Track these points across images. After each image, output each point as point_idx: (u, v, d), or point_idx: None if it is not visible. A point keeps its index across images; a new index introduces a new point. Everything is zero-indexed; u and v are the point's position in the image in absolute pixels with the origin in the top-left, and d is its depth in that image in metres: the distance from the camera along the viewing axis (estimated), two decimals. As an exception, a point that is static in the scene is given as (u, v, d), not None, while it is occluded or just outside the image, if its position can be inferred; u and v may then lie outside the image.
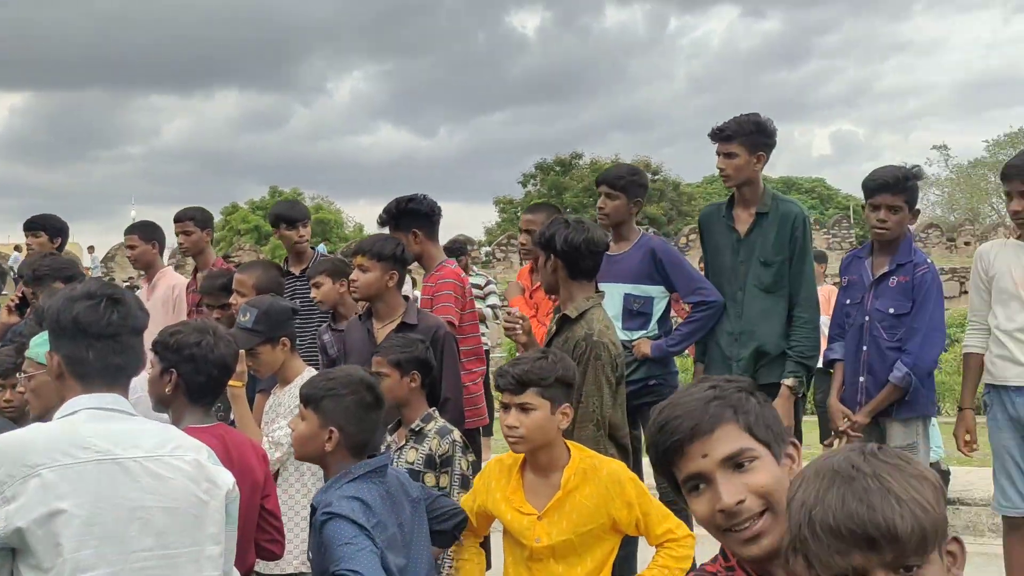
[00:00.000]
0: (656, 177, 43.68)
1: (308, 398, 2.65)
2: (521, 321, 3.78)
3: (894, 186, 3.86)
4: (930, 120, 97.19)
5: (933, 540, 1.21)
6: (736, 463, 1.49)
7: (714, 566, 1.57)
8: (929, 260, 3.95)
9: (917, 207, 3.95)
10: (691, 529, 2.87)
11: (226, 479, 2.28)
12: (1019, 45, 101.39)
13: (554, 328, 3.54)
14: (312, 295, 4.52)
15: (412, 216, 4.41)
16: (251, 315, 3.63)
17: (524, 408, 2.72)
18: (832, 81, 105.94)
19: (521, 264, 4.96)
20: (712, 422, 1.50)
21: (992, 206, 43.01)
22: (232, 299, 4.44)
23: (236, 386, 3.49)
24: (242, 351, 3.37)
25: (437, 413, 3.45)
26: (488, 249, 29.88)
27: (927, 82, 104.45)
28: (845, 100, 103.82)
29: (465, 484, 3.27)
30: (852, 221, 33.62)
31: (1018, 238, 3.80)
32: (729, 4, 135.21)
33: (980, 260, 3.87)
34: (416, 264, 4.51)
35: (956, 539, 1.27)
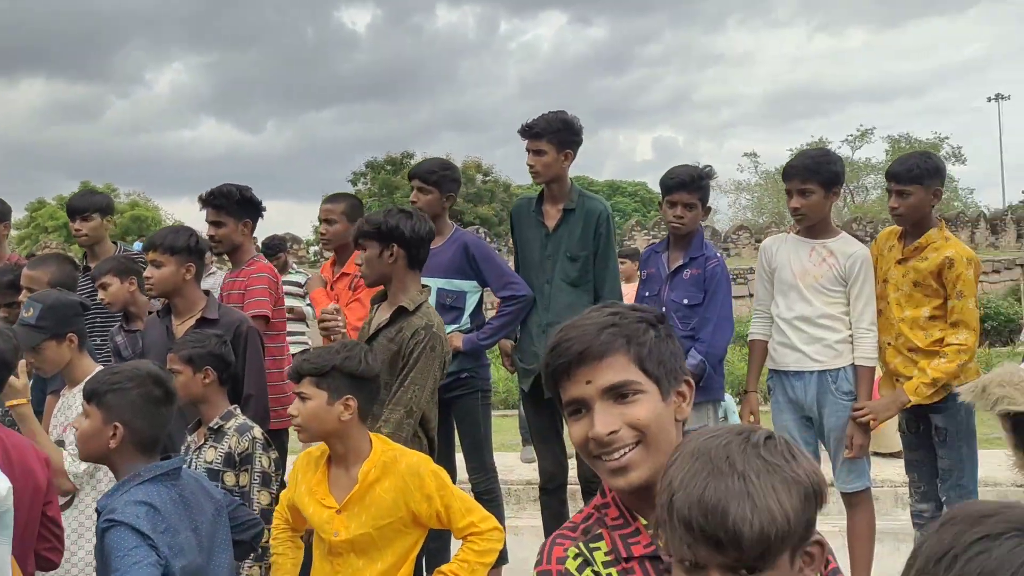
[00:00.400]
0: (487, 178, 44.15)
1: (91, 393, 2.51)
2: (337, 315, 3.73)
3: (689, 184, 4.09)
4: (743, 129, 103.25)
5: (779, 550, 1.19)
6: (619, 393, 1.47)
7: (588, 507, 1.56)
8: (719, 254, 4.21)
9: (709, 204, 4.20)
10: (502, 524, 2.90)
11: None
12: (820, 61, 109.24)
13: (385, 319, 3.50)
14: (99, 296, 4.28)
15: (250, 206, 4.38)
16: (35, 310, 3.40)
17: (301, 397, 2.72)
18: (654, 89, 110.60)
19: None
20: (602, 349, 1.47)
21: (796, 210, 46.13)
22: (22, 296, 4.16)
23: (20, 404, 3.24)
24: (23, 369, 3.14)
25: (238, 410, 3.35)
26: (316, 248, 29.33)
27: (740, 93, 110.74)
28: (666, 107, 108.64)
29: (266, 482, 3.20)
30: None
31: (798, 233, 4.09)
32: (557, 10, 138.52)
33: (764, 253, 4.15)
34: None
35: (819, 541, 1.26)
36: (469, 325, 4.39)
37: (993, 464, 5.36)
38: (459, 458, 4.56)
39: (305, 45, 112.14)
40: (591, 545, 1.49)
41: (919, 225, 3.83)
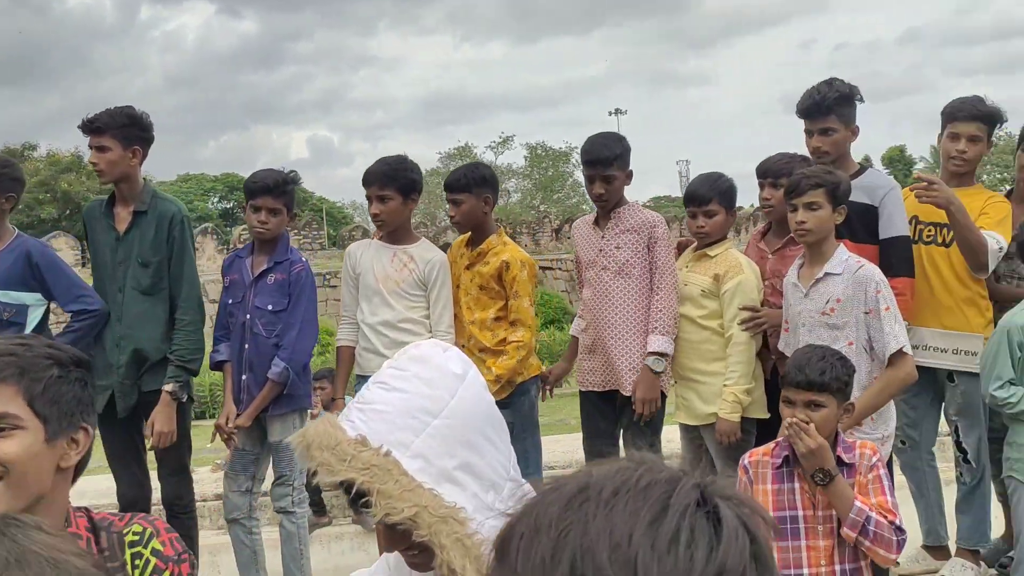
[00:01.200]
0: (125, 174, 41.08)
1: None
2: None
3: (274, 189, 4.01)
4: (397, 131, 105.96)
5: None
6: None
7: None
8: (304, 259, 4.14)
9: (295, 210, 4.13)
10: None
11: None
12: (466, 69, 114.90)
13: None
14: None
15: None
16: None
17: None
18: (307, 87, 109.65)
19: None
20: None
21: (444, 211, 48.17)
22: None
23: None
24: None
25: None
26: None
27: (393, 96, 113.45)
28: (320, 106, 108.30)
29: None
30: (325, 222, 35.02)
31: (381, 239, 4.14)
32: (204, 0, 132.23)
33: (349, 259, 4.15)
34: None
35: None
36: (30, 342, 3.94)
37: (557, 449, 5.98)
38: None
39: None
40: None
41: (479, 231, 4.04)
